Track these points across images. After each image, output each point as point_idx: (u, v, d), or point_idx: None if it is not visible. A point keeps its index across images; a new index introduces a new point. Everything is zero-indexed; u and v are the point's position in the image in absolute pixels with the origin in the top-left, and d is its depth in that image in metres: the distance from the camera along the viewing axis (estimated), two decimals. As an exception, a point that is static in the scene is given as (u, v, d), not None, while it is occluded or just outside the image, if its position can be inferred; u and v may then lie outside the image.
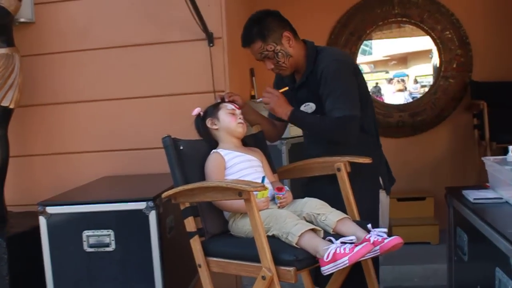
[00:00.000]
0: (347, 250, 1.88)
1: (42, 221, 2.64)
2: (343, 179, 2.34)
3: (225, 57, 3.35)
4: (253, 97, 4.16)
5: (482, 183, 2.70)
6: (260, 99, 2.53)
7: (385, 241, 2.03)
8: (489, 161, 2.51)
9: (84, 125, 3.53)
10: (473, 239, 2.32)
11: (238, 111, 2.44)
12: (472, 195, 2.45)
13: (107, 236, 2.62)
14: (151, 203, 2.59)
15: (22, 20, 3.45)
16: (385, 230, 2.10)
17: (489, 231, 2.04)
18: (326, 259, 1.89)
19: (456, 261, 2.61)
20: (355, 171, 2.37)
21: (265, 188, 2.10)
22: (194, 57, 3.38)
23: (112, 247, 2.62)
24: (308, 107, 2.49)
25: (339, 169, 2.34)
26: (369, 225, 2.13)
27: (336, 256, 1.88)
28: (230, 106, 2.44)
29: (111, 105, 3.50)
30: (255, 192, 2.07)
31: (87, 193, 3.03)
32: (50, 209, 2.65)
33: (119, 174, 3.47)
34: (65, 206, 2.66)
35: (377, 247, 2.02)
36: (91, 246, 2.63)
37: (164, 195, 2.21)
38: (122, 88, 3.48)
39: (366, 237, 2.05)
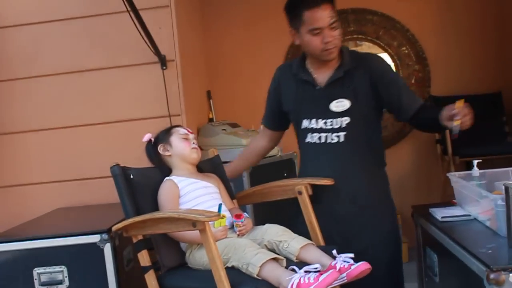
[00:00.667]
0: (311, 280, 1.78)
1: (-12, 260, 2.49)
2: (305, 202, 2.25)
3: (179, 80, 3.26)
4: (211, 120, 4.06)
5: (448, 198, 2.65)
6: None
7: (352, 267, 1.94)
8: (455, 177, 2.46)
9: (35, 155, 3.39)
10: (443, 260, 2.26)
11: (191, 136, 2.34)
12: (440, 213, 2.39)
13: (60, 273, 2.49)
14: (105, 236, 2.47)
15: (-33, 47, 3.30)
16: (351, 255, 2.01)
17: (460, 251, 1.98)
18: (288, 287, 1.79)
19: (427, 282, 2.53)
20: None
21: (222, 217, 2.00)
22: (147, 81, 3.28)
23: (65, 285, 2.49)
24: (341, 103, 2.30)
25: (300, 192, 2.26)
26: (334, 251, 2.04)
27: (301, 287, 1.78)
28: (182, 130, 2.34)
29: (62, 133, 3.36)
30: (211, 222, 1.97)
31: (38, 227, 2.88)
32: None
33: (74, 205, 3.33)
34: (13, 243, 2.52)
35: (344, 274, 1.93)
36: (43, 284, 2.49)
37: (114, 228, 2.08)
38: (73, 115, 3.35)
39: (332, 264, 1.96)
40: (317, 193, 2.32)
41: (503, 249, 1.89)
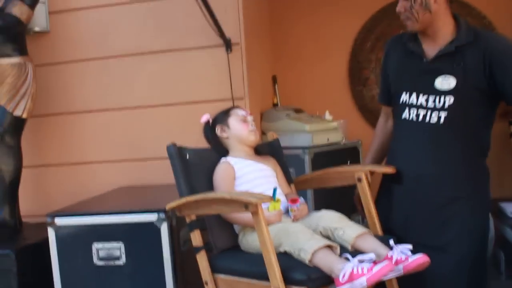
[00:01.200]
0: (365, 270, 1.70)
1: (51, 232, 2.56)
2: (364, 189, 2.17)
3: (243, 63, 3.22)
4: (275, 105, 4.01)
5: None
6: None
7: (409, 259, 1.84)
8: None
9: (99, 134, 3.45)
10: (510, 257, 2.12)
11: (250, 118, 2.29)
12: (510, 208, 2.24)
13: (118, 249, 2.51)
14: (162, 215, 2.47)
15: (36, 29, 3.40)
16: (410, 246, 1.91)
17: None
18: (342, 279, 1.72)
19: (492, 280, 2.39)
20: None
21: (277, 201, 1.95)
22: (212, 64, 3.26)
23: (122, 261, 2.51)
24: (447, 81, 2.11)
25: (359, 179, 2.17)
26: (391, 241, 1.95)
27: (353, 276, 1.70)
28: (241, 112, 2.30)
29: (127, 114, 3.40)
30: (266, 205, 1.92)
31: (99, 204, 2.92)
32: (59, 220, 2.56)
33: (135, 185, 3.38)
34: (74, 218, 2.56)
35: (400, 266, 1.83)
36: (101, 259, 2.52)
37: (167, 206, 2.07)
38: (137, 96, 3.38)
39: (388, 255, 1.87)
40: (401, 174, 2.20)
41: None
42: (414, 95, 2.17)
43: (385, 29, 4.24)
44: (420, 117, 2.16)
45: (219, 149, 2.28)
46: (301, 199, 2.16)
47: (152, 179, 3.35)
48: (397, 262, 1.82)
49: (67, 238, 2.55)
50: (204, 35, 3.20)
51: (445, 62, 2.13)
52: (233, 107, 2.35)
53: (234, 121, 2.27)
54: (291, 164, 3.09)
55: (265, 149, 2.41)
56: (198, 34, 3.24)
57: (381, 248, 1.90)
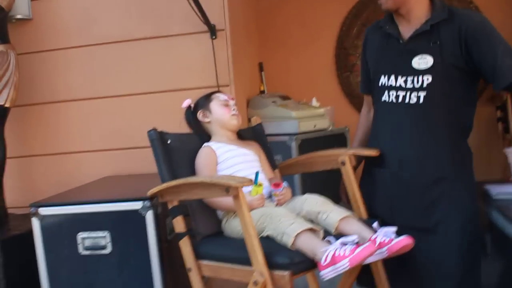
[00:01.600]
0: (347, 252, 1.69)
1: (35, 223, 2.53)
2: (348, 173, 2.15)
3: (228, 49, 3.19)
4: (262, 92, 3.99)
5: (507, 178, 2.49)
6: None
7: (393, 241, 1.83)
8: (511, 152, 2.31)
9: (84, 123, 3.42)
10: (496, 239, 2.12)
11: (231, 102, 2.28)
12: (495, 190, 2.24)
13: (103, 238, 2.49)
14: (147, 203, 2.44)
15: (18, 16, 3.34)
16: (394, 229, 1.90)
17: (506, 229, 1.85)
18: (324, 262, 1.71)
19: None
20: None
21: (259, 185, 1.94)
22: (197, 51, 3.23)
23: (108, 250, 2.49)
24: (424, 60, 2.09)
25: (343, 163, 2.16)
26: (375, 224, 1.94)
27: (336, 259, 1.69)
28: (222, 96, 2.28)
29: (111, 102, 3.37)
30: (248, 189, 1.91)
31: (83, 193, 2.90)
32: (43, 210, 2.53)
33: (121, 174, 3.35)
34: (58, 207, 2.53)
35: (384, 248, 1.83)
36: (86, 248, 2.50)
37: (149, 192, 2.06)
38: (122, 84, 3.35)
39: (372, 238, 1.86)
40: (384, 158, 2.19)
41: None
42: (392, 77, 2.16)
43: (371, 15, 4.22)
44: (400, 98, 2.14)
45: (201, 134, 2.26)
46: (285, 184, 2.15)
47: (138, 168, 3.32)
48: (381, 245, 1.82)
49: (51, 228, 2.52)
50: (189, 22, 3.16)
51: (421, 41, 2.11)
52: (215, 91, 2.33)
53: (215, 106, 2.25)
54: (278, 151, 3.10)
55: (248, 134, 2.40)
56: (182, 21, 3.21)
57: (365, 231, 1.89)
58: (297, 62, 4.35)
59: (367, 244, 1.73)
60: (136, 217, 2.46)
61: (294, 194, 2.19)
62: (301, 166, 2.38)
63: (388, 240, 1.83)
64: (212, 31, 3.17)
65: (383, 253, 1.82)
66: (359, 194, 2.16)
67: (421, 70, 2.09)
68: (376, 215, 2.16)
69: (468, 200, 2.14)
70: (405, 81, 2.13)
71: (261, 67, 4.12)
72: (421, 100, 2.10)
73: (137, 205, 2.46)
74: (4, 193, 3.11)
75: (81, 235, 2.50)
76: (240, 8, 3.61)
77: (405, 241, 1.82)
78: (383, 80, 2.20)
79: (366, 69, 2.35)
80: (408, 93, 2.13)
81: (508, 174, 2.44)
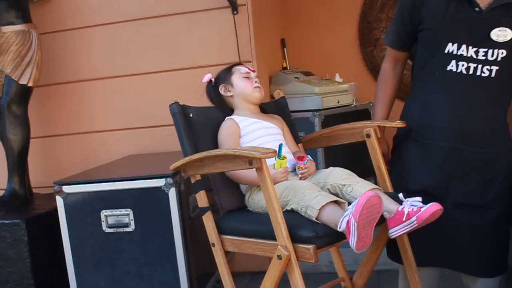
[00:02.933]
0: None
1: (59, 201, 2.54)
2: (373, 145, 2.09)
3: (250, 25, 3.15)
4: (284, 68, 3.94)
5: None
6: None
7: (421, 210, 1.75)
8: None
9: (107, 102, 3.42)
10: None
11: (253, 74, 2.23)
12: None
13: (126, 216, 2.49)
14: (170, 180, 2.44)
15: (40, -4, 3.35)
16: (419, 198, 1.84)
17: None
18: (339, 228, 1.68)
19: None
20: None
21: (283, 158, 1.90)
22: (218, 27, 3.20)
23: (131, 227, 2.49)
24: (504, 33, 1.98)
25: (368, 135, 2.10)
26: (401, 195, 1.89)
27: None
28: (243, 69, 2.23)
29: (134, 80, 3.36)
30: (271, 162, 1.87)
31: (106, 172, 2.90)
32: (67, 188, 2.54)
33: (145, 152, 3.35)
34: (81, 185, 2.54)
35: (414, 218, 1.75)
36: (110, 226, 2.51)
37: (171, 167, 2.03)
38: (144, 62, 3.34)
39: (399, 209, 1.80)
40: (442, 131, 2.07)
41: None
42: (464, 46, 2.01)
43: (395, -12, 4.13)
44: (471, 70, 2.02)
45: (224, 108, 2.23)
46: (308, 157, 2.10)
47: (161, 147, 3.32)
48: (409, 215, 1.76)
49: (75, 206, 2.54)
50: (210, -3, 3.13)
51: (500, 13, 1.99)
52: (235, 64, 2.28)
53: (237, 79, 2.20)
54: (301, 127, 3.03)
55: (271, 108, 2.35)
56: (203, -4, 3.17)
57: (391, 204, 1.83)
58: (319, 38, 4.28)
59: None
60: (159, 194, 2.45)
61: (317, 168, 2.15)
62: (325, 139, 2.32)
63: (417, 209, 1.77)
64: (234, 6, 3.13)
65: (413, 223, 1.75)
66: (384, 167, 2.10)
67: (498, 43, 1.98)
68: (423, 190, 2.05)
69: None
70: (476, 52, 2.00)
71: (283, 43, 4.06)
72: (493, 74, 2.00)
73: (160, 182, 2.45)
74: (28, 173, 3.13)
75: (104, 213, 2.50)
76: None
77: (434, 207, 1.74)
78: (451, 47, 2.03)
79: (407, 22, 2.14)
80: (480, 66, 2.01)
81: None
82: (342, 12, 4.23)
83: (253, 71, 2.24)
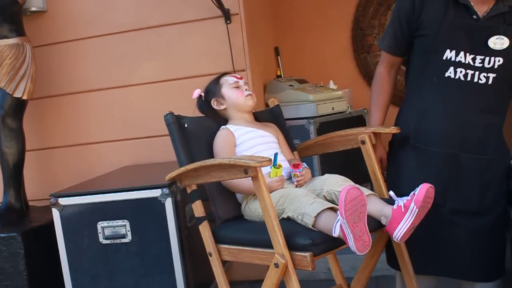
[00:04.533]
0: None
1: (55, 213, 2.54)
2: (368, 152, 2.10)
3: (244, 34, 3.16)
4: (279, 76, 3.95)
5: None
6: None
7: (415, 195, 1.75)
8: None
9: (102, 114, 3.42)
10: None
11: (241, 81, 2.23)
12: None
13: (123, 227, 2.49)
14: (166, 190, 2.43)
15: (33, 9, 3.35)
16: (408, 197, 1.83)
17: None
18: (334, 233, 1.69)
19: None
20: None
21: (278, 166, 1.91)
22: (212, 36, 3.20)
23: (128, 238, 2.48)
24: (501, 41, 2.01)
25: (363, 142, 2.11)
26: (392, 193, 1.88)
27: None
28: (231, 78, 2.23)
29: (128, 91, 3.37)
30: (267, 171, 1.87)
31: (102, 183, 2.90)
32: (63, 201, 2.54)
33: (141, 163, 3.34)
34: (77, 197, 2.54)
35: (412, 205, 1.75)
36: (106, 237, 2.50)
37: (167, 177, 2.03)
38: (139, 73, 3.34)
39: (394, 207, 1.80)
40: (439, 137, 2.08)
41: None
42: (462, 53, 2.03)
43: (388, -6, 4.15)
44: (468, 77, 2.03)
45: (218, 120, 2.23)
46: (304, 164, 2.11)
47: (157, 157, 3.31)
48: (406, 206, 1.76)
49: (72, 218, 2.53)
50: (202, 7, 3.14)
51: (497, 21, 2.02)
52: (221, 75, 2.28)
53: (227, 90, 2.21)
54: (296, 134, 3.06)
55: (266, 116, 2.36)
56: (196, 6, 3.18)
57: (387, 208, 1.83)
58: (313, 45, 4.29)
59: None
60: (156, 205, 2.45)
61: (313, 175, 2.15)
62: (320, 146, 2.33)
63: (410, 197, 1.77)
64: (227, 15, 3.13)
65: (414, 209, 1.74)
66: (380, 173, 2.11)
67: (495, 51, 2.01)
68: None
69: (508, 179, 2.11)
70: (474, 60, 2.02)
71: (277, 51, 4.07)
72: (490, 81, 2.02)
73: (156, 193, 2.45)
74: (24, 186, 3.12)
75: (101, 224, 2.49)
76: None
77: (425, 186, 1.75)
78: (449, 54, 2.05)
79: (404, 27, 2.15)
80: (477, 73, 2.03)
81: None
82: (335, 19, 4.24)
83: (241, 78, 2.25)
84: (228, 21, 3.15)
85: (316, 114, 3.32)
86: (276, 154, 1.94)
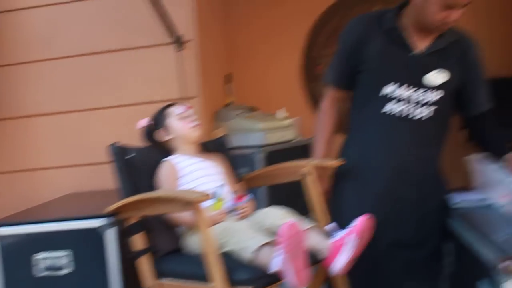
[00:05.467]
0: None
1: (-5, 243, 2.45)
2: (309, 186, 2.12)
3: (196, 61, 3.16)
4: (230, 104, 3.95)
5: (468, 186, 2.48)
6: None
7: (354, 228, 1.78)
8: (473, 159, 2.29)
9: (49, 139, 3.34)
10: (457, 246, 2.12)
11: (188, 112, 2.23)
12: (455, 198, 2.24)
13: (63, 258, 2.42)
14: (108, 221, 2.37)
15: (-19, 30, 3.28)
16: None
17: (472, 237, 1.84)
18: (272, 268, 1.69)
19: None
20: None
21: (218, 200, 1.91)
22: (164, 63, 3.18)
23: (69, 269, 2.41)
24: (440, 75, 2.08)
25: (305, 175, 2.12)
26: (330, 226, 1.91)
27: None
28: (178, 109, 2.23)
29: (76, 117, 3.31)
30: (207, 204, 1.87)
31: (44, 212, 2.82)
32: (2, 230, 2.45)
33: (87, 190, 3.28)
34: (17, 226, 2.45)
35: (352, 235, 1.76)
36: (47, 268, 2.42)
37: (107, 210, 2.00)
38: (87, 98, 3.29)
39: (333, 240, 1.82)
40: (377, 171, 2.13)
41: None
42: (401, 89, 2.09)
43: (337, 24, 4.22)
44: (406, 111, 2.09)
45: (164, 150, 2.22)
46: (248, 197, 2.11)
47: (104, 184, 3.25)
48: (345, 237, 1.78)
49: (11, 248, 2.44)
50: (155, 33, 3.12)
51: (436, 56, 2.09)
52: (168, 105, 2.28)
53: (173, 121, 2.20)
54: (245, 163, 3.05)
55: (212, 146, 2.36)
56: (148, 32, 3.16)
57: (326, 241, 1.84)
58: (266, 73, 4.32)
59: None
60: (97, 236, 2.39)
61: (260, 207, 2.15)
62: (265, 178, 2.35)
63: (349, 230, 1.79)
64: (179, 42, 3.13)
65: (352, 241, 1.76)
66: (321, 206, 2.12)
67: (433, 86, 2.07)
68: None
69: (446, 214, 2.18)
70: (413, 95, 2.08)
71: (229, 79, 4.08)
72: (427, 115, 2.09)
73: (97, 223, 2.39)
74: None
75: (40, 255, 2.42)
76: (207, 19, 3.58)
77: (362, 219, 1.79)
78: (388, 90, 2.10)
79: (348, 63, 2.21)
80: (415, 107, 2.09)
81: (469, 183, 2.42)
82: (286, 47, 4.29)
83: (190, 107, 2.25)
84: (181, 48, 3.14)
85: (264, 143, 3.32)
86: (218, 187, 1.93)
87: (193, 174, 2.11)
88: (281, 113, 3.64)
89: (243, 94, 4.13)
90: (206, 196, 1.66)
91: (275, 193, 3.21)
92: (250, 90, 4.22)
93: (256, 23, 4.38)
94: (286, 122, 3.57)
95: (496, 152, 2.14)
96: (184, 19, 3.14)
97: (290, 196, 2.74)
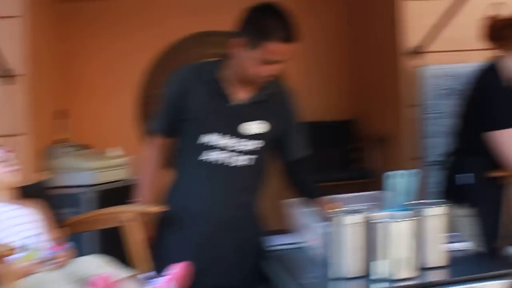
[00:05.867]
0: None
1: None
2: (130, 232, 2.13)
3: (26, 96, 3.09)
4: (62, 141, 3.84)
5: (284, 228, 2.64)
6: None
7: (172, 275, 1.85)
8: (288, 203, 2.46)
9: None
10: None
11: (7, 156, 2.14)
12: (271, 241, 2.38)
13: None
14: None
15: None
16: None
17: (283, 280, 1.98)
18: None
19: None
20: None
21: (30, 251, 1.86)
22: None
23: None
24: (260, 126, 2.17)
25: (125, 222, 2.14)
26: (149, 274, 1.98)
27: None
28: None
29: None
30: (18, 255, 1.81)
31: None
32: None
33: None
34: None
35: (169, 284, 1.83)
36: None
37: None
38: None
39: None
40: (199, 217, 2.18)
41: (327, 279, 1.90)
42: (218, 137, 2.16)
43: (173, 64, 4.28)
44: (222, 159, 2.16)
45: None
46: (67, 245, 2.07)
47: None
48: (163, 287, 1.83)
49: None
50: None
51: (256, 107, 2.19)
52: None
53: None
54: (72, 203, 2.98)
55: (33, 191, 2.29)
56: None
57: None
58: (103, 110, 4.30)
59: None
60: None
61: (84, 253, 2.11)
62: (87, 224, 2.32)
63: (167, 277, 1.85)
64: (9, 76, 3.04)
65: (172, 285, 1.83)
66: (143, 253, 2.14)
67: (253, 135, 2.17)
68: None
69: (262, 259, 2.30)
70: (229, 142, 2.16)
71: (64, 115, 3.97)
72: (248, 163, 2.18)
73: None
74: None
75: None
76: (41, 52, 3.50)
77: (181, 266, 1.87)
78: (207, 138, 2.17)
79: (173, 112, 2.25)
80: (231, 155, 2.16)
81: (286, 226, 2.59)
82: (123, 85, 4.32)
83: (9, 151, 2.17)
84: (11, 83, 3.04)
85: (94, 182, 3.28)
86: (31, 237, 1.88)
87: (8, 221, 2.03)
88: (112, 151, 3.60)
89: (80, 131, 4.05)
90: (9, 250, 1.61)
91: (106, 237, 3.15)
92: (87, 127, 4.17)
93: (96, 58, 4.36)
94: (117, 161, 3.55)
95: (309, 196, 2.30)
96: (17, 53, 3.07)
97: (118, 241, 2.73)
